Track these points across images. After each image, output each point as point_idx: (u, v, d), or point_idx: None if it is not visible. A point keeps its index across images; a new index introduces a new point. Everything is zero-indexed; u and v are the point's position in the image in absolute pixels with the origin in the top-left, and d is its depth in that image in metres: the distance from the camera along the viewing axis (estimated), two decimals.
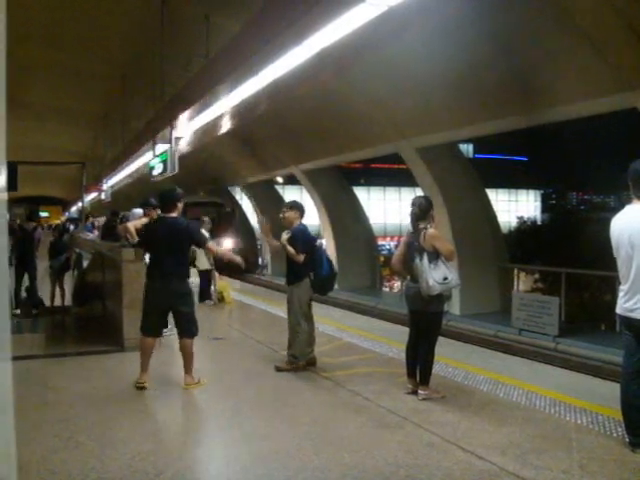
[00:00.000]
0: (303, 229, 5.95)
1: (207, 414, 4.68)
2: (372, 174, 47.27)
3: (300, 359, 5.89)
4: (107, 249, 8.52)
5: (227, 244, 18.48)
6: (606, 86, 7.79)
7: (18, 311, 9.69)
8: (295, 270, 5.90)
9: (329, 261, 5.94)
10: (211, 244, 5.98)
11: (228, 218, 22.42)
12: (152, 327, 5.38)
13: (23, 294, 10.19)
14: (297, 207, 6.08)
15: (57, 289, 10.65)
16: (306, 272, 5.86)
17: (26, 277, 10.41)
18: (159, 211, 6.08)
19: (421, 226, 4.99)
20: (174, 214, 5.41)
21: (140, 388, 5.22)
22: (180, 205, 5.50)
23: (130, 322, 6.75)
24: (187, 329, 5.36)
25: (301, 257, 5.78)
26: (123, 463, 3.60)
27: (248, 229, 25.49)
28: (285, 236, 5.99)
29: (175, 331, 5.40)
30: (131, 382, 5.64)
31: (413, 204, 5.12)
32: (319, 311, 7.02)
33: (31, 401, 4.74)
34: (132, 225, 7.36)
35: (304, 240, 5.87)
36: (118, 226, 8.15)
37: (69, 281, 10.83)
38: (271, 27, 5.61)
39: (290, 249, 5.81)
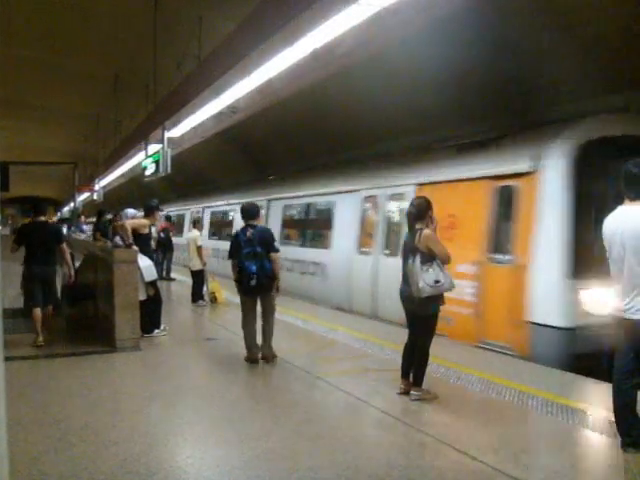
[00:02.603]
0: (235, 233, 6.54)
1: (199, 414, 4.67)
2: None
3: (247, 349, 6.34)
4: (99, 250, 8.50)
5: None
6: (598, 87, 7.83)
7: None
8: None
9: (244, 266, 6.06)
10: (64, 245, 7.46)
11: None
12: (35, 299, 7.09)
13: None
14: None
15: None
16: (235, 273, 6.24)
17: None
18: (160, 213, 6.68)
19: (417, 226, 4.95)
20: (43, 218, 7.44)
21: (38, 346, 6.78)
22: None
23: (122, 323, 6.74)
24: (53, 300, 7.46)
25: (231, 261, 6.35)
26: (115, 464, 3.59)
27: None
28: None
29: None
30: (124, 383, 5.63)
31: (411, 204, 5.11)
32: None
33: (23, 402, 4.72)
34: (129, 224, 7.45)
35: (231, 243, 6.38)
36: (117, 224, 8.26)
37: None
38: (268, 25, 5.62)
39: None
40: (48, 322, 7.23)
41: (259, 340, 6.39)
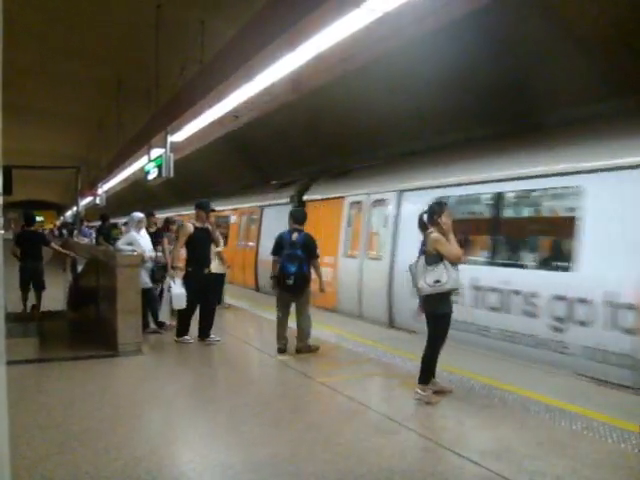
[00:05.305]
0: (280, 234, 6.98)
1: (202, 419, 4.66)
2: None
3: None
4: (102, 254, 8.52)
5: None
6: (600, 92, 7.83)
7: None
8: None
9: (284, 266, 6.62)
10: (52, 243, 10.61)
11: None
12: (25, 287, 9.95)
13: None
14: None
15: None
16: (275, 269, 6.77)
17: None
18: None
19: (429, 230, 5.13)
20: (32, 228, 10.34)
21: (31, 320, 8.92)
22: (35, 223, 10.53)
23: (125, 327, 6.74)
24: (41, 287, 10.09)
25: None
26: (116, 469, 3.58)
27: None
28: None
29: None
30: (126, 387, 5.62)
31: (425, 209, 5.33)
32: None
33: (24, 406, 4.72)
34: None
35: (275, 242, 6.93)
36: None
37: None
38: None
39: None
40: (38, 302, 10.09)
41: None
